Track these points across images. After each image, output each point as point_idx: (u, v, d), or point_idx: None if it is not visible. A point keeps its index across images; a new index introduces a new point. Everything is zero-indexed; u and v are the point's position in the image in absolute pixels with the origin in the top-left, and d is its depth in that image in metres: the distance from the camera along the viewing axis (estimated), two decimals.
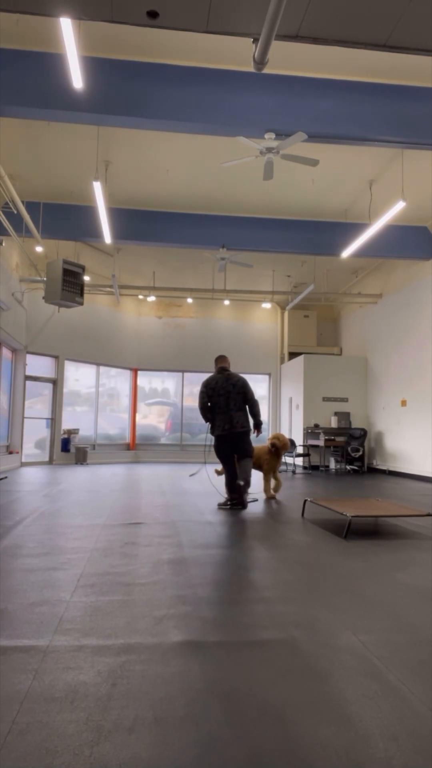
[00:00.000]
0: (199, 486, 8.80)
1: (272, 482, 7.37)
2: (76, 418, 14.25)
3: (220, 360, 6.64)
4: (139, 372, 15.82)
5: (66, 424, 13.86)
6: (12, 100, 6.14)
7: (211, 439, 6.50)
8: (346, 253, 10.26)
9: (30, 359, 12.91)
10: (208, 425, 6.51)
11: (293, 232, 10.67)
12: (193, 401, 16.21)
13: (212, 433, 6.41)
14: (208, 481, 9.60)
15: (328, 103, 6.62)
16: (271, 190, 9.44)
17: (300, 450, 13.33)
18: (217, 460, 6.64)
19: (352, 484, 9.68)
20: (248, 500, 6.54)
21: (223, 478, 8.86)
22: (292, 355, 15.64)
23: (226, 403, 6.30)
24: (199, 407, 6.44)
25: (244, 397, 6.36)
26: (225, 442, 6.39)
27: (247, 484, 6.32)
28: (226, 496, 6.58)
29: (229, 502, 6.35)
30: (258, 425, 6.45)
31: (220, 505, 6.40)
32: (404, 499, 7.57)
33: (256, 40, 4.48)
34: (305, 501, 5.92)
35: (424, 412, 10.91)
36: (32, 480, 9.29)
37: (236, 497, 6.33)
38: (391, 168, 8.52)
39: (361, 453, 12.89)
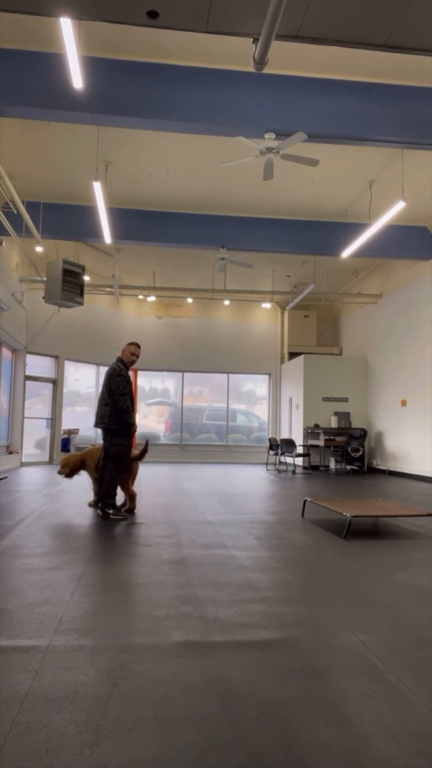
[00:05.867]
0: (199, 486, 8.80)
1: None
2: (76, 418, 14.25)
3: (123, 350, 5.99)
4: (139, 372, 15.82)
5: (66, 424, 13.86)
6: (12, 100, 6.13)
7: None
8: (346, 253, 10.25)
9: (30, 359, 12.90)
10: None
11: (293, 232, 10.67)
12: (193, 401, 16.22)
13: None
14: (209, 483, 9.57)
15: (328, 103, 6.61)
16: (271, 190, 9.44)
17: (300, 450, 13.33)
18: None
19: (352, 484, 9.68)
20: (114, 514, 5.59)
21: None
22: (292, 355, 15.63)
23: (101, 395, 5.77)
24: None
25: (108, 390, 5.67)
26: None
27: (106, 495, 5.52)
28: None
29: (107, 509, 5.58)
30: (126, 424, 5.63)
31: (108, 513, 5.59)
32: (404, 499, 7.57)
33: (256, 40, 4.48)
34: (305, 501, 5.92)
35: (424, 412, 10.91)
36: (32, 480, 9.28)
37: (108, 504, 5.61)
38: (391, 168, 8.52)
39: (361, 453, 12.88)
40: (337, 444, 13.14)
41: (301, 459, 13.41)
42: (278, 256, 12.19)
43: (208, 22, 4.44)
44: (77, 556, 3.83)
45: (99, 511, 5.62)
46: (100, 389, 5.89)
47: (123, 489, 5.84)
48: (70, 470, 5.94)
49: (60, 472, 5.95)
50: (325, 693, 1.90)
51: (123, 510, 5.79)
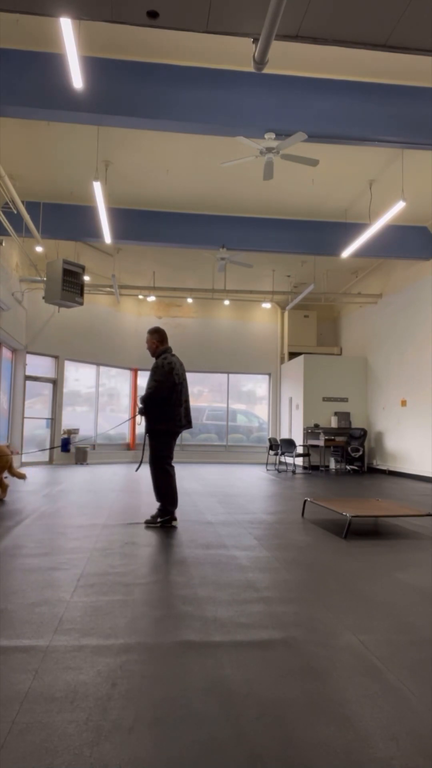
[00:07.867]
0: (199, 486, 8.80)
1: None
2: (76, 418, 14.25)
3: (165, 338, 5.45)
4: (139, 372, 15.81)
5: (66, 424, 13.86)
6: (12, 100, 6.13)
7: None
8: (346, 253, 10.25)
9: (30, 359, 12.90)
10: (140, 417, 5.22)
11: (293, 232, 10.67)
12: (193, 401, 16.17)
13: (165, 426, 5.20)
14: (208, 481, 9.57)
15: (328, 103, 6.61)
16: (271, 190, 9.44)
17: (300, 450, 13.33)
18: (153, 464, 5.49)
19: (352, 484, 9.67)
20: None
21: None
22: (292, 355, 15.63)
23: (187, 393, 5.29)
24: (162, 394, 5.05)
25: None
26: (174, 439, 5.40)
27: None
28: (161, 510, 5.25)
29: (161, 518, 5.17)
30: None
31: (148, 522, 5.16)
32: (404, 499, 7.57)
33: (256, 40, 4.47)
34: (305, 501, 5.92)
35: (424, 412, 10.91)
36: (32, 480, 9.28)
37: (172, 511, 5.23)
38: (391, 168, 8.52)
39: (361, 453, 12.88)
40: (337, 444, 13.14)
41: (301, 459, 13.41)
42: (278, 256, 12.18)
43: (208, 22, 4.44)
44: (77, 556, 3.83)
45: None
46: (183, 389, 5.27)
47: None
48: None
49: None
50: (325, 693, 1.90)
51: None
